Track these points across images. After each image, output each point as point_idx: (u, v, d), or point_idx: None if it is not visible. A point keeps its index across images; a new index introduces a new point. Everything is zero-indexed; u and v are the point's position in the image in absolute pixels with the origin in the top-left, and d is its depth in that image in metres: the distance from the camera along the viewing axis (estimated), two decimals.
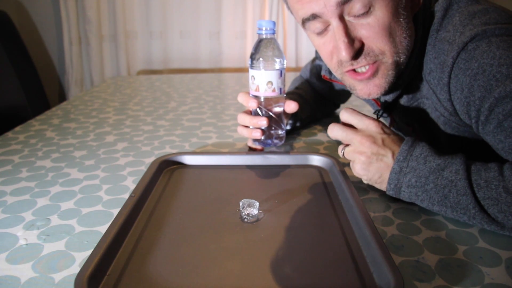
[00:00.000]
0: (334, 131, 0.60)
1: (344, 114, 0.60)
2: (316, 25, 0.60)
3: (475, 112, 0.55)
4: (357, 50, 0.59)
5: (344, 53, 0.58)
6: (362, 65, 0.60)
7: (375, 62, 0.60)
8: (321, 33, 0.62)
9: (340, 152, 0.61)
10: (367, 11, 0.57)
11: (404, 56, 0.61)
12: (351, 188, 0.59)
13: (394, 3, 0.57)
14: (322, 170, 0.71)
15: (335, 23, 0.58)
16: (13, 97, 1.88)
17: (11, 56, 1.86)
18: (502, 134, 0.52)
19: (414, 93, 0.67)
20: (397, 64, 0.61)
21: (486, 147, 0.58)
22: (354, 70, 0.62)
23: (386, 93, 0.66)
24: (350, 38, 0.58)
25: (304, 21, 0.61)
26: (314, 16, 0.59)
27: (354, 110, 0.60)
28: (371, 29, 0.58)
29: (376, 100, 0.75)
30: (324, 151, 0.83)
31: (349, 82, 0.65)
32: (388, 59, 0.60)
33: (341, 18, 0.58)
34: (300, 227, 0.53)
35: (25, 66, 2.04)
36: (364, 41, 0.59)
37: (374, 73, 0.61)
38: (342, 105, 1.11)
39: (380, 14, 0.57)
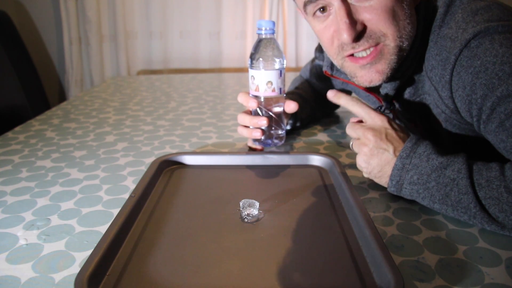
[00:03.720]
0: (347, 130, 0.61)
1: (354, 107, 0.60)
2: (317, 8, 0.61)
3: (477, 110, 0.55)
4: (359, 32, 0.59)
5: (345, 34, 0.58)
6: (364, 48, 0.60)
7: (377, 44, 0.60)
8: (322, 17, 0.62)
9: (350, 145, 0.62)
10: None
11: (407, 42, 0.61)
12: (351, 188, 0.59)
13: None
14: (322, 170, 0.71)
15: (337, 4, 0.58)
16: (13, 97, 1.88)
17: (11, 56, 1.86)
18: (504, 134, 0.52)
19: (416, 89, 0.67)
20: (399, 49, 0.60)
21: (488, 145, 0.58)
22: (353, 56, 0.62)
23: (386, 83, 0.66)
24: (352, 19, 0.58)
25: (306, 4, 0.61)
26: None
27: (362, 103, 0.60)
28: (374, 11, 0.57)
29: (378, 96, 0.75)
30: (324, 151, 0.83)
31: (350, 68, 0.64)
32: (390, 42, 0.60)
33: (344, 0, 0.58)
34: (300, 227, 0.53)
35: (25, 66, 2.03)
36: (367, 23, 0.59)
37: (377, 57, 0.61)
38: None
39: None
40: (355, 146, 0.60)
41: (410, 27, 0.60)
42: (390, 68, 0.62)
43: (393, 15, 0.58)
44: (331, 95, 0.63)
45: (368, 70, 0.62)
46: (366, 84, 0.64)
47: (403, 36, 0.60)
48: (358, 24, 0.58)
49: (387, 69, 0.62)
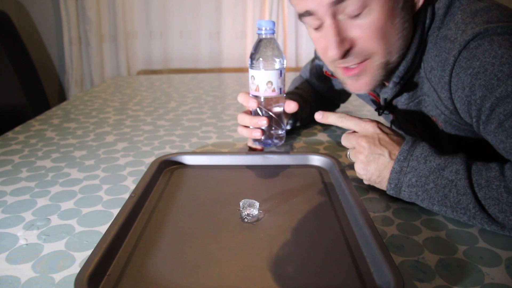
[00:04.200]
0: (342, 141, 0.62)
1: (344, 122, 0.61)
2: (311, 21, 0.61)
3: (476, 111, 0.55)
4: (347, 50, 0.60)
5: (332, 52, 0.59)
6: (351, 63, 0.62)
7: (364, 61, 0.61)
8: (316, 28, 0.62)
9: (347, 155, 0.63)
10: (362, 12, 0.57)
11: (396, 56, 0.62)
12: (351, 188, 0.59)
13: (391, 4, 0.57)
14: (322, 170, 0.71)
15: (327, 22, 0.59)
16: (13, 97, 1.88)
17: (11, 56, 1.86)
18: (503, 134, 0.52)
19: (415, 91, 0.67)
20: (386, 64, 0.62)
21: (487, 146, 0.58)
22: (345, 66, 0.63)
23: (381, 88, 0.68)
24: (341, 37, 0.59)
25: (300, 16, 0.62)
26: (308, 13, 0.60)
27: (350, 116, 0.61)
28: (365, 30, 0.58)
29: (377, 97, 0.75)
30: (324, 151, 0.83)
31: (340, 76, 0.67)
32: (378, 59, 0.61)
33: (334, 17, 0.58)
34: (300, 227, 0.53)
35: (25, 66, 2.03)
36: (357, 41, 0.59)
37: (362, 72, 0.63)
38: (342, 105, 1.11)
39: (375, 16, 0.57)
40: (351, 155, 0.60)
41: (401, 41, 0.61)
42: (376, 81, 0.64)
43: (383, 33, 0.59)
44: (319, 117, 0.63)
45: (355, 81, 0.65)
46: (355, 92, 0.67)
47: (392, 52, 0.61)
48: (347, 42, 0.59)
49: (372, 82, 0.64)
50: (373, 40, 0.59)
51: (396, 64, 0.64)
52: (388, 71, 0.63)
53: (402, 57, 0.63)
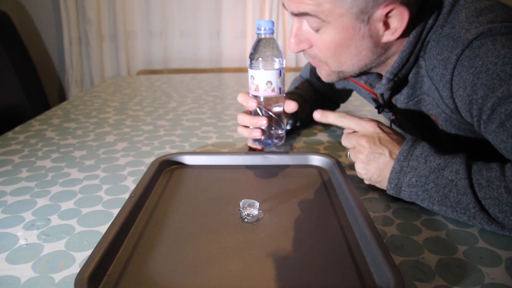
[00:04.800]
0: (342, 141, 0.63)
1: (344, 121, 0.62)
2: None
3: (477, 110, 0.55)
4: (304, 49, 0.66)
5: (290, 47, 0.66)
6: (309, 60, 0.69)
7: (319, 63, 0.68)
8: None
9: (347, 155, 0.64)
10: (319, 29, 0.62)
11: (351, 70, 0.67)
12: (351, 188, 0.59)
13: (347, 34, 0.60)
14: (322, 170, 0.71)
15: (294, 23, 0.65)
16: (13, 97, 1.88)
17: (11, 56, 1.86)
18: (504, 134, 0.52)
19: (414, 89, 0.67)
20: (339, 72, 0.68)
21: (488, 145, 0.58)
22: None
23: (379, 86, 0.70)
24: (300, 38, 0.65)
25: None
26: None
27: (350, 115, 0.62)
28: (320, 42, 0.63)
29: (378, 95, 0.75)
30: (324, 151, 0.83)
31: None
32: (331, 67, 0.67)
33: (300, 21, 0.64)
34: (300, 227, 0.53)
35: (25, 66, 2.04)
36: (313, 46, 0.65)
37: (319, 68, 0.70)
38: (342, 105, 1.11)
39: (329, 37, 0.61)
40: (352, 155, 0.60)
41: (356, 61, 0.65)
42: (332, 80, 0.71)
43: (335, 52, 0.63)
44: (318, 115, 0.65)
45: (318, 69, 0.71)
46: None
47: (344, 67, 0.66)
48: (304, 43, 0.65)
49: (329, 79, 0.71)
50: (325, 54, 0.64)
51: (353, 73, 0.68)
52: (342, 76, 0.69)
53: (408, 56, 0.64)
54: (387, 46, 0.63)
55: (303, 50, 0.67)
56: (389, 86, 0.68)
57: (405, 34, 0.61)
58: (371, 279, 0.43)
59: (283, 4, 0.64)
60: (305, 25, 0.63)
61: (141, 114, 1.13)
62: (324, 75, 0.71)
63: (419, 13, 0.61)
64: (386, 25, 0.59)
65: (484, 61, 0.53)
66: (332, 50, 0.63)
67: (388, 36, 0.61)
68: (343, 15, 0.58)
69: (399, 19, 0.58)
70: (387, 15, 0.58)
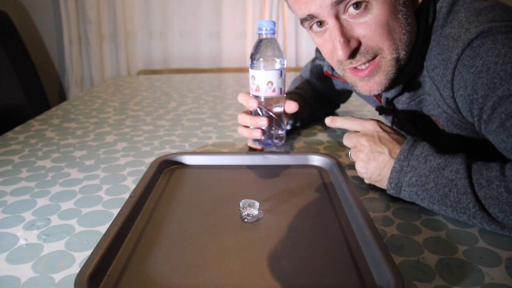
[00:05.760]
0: (343, 141, 0.62)
1: (347, 123, 0.62)
2: (313, 25, 0.61)
3: (478, 110, 0.55)
4: (354, 49, 0.59)
5: (340, 52, 0.58)
6: (362, 63, 0.61)
7: (374, 57, 0.61)
8: (319, 32, 0.62)
9: (348, 155, 0.64)
10: (364, 10, 0.57)
11: (404, 52, 0.61)
12: (351, 188, 0.59)
13: (392, 0, 0.57)
14: (322, 170, 0.71)
15: (331, 23, 0.58)
16: (13, 97, 1.88)
17: (11, 56, 1.86)
18: (505, 134, 0.52)
19: (416, 90, 0.67)
20: (397, 60, 0.61)
21: (489, 145, 0.58)
22: (355, 67, 0.62)
23: (387, 89, 0.67)
24: (346, 37, 0.58)
25: (302, 21, 0.62)
26: (311, 16, 0.60)
27: (353, 117, 0.62)
28: (368, 27, 0.58)
29: (378, 96, 0.75)
30: (324, 151, 0.83)
31: (350, 79, 0.66)
32: (387, 55, 0.60)
33: (337, 17, 0.58)
34: (300, 227, 0.53)
35: (25, 66, 2.03)
36: (362, 39, 0.59)
37: (374, 70, 0.62)
38: (342, 105, 1.11)
39: (377, 12, 0.57)
40: (352, 154, 0.61)
41: (406, 37, 0.60)
42: (388, 79, 0.63)
43: (388, 29, 0.58)
44: (328, 121, 0.65)
45: (367, 82, 0.63)
46: (367, 93, 0.65)
47: (400, 47, 0.60)
48: (353, 40, 0.59)
49: (385, 80, 0.63)
50: (378, 37, 0.58)
51: (405, 60, 0.63)
52: (399, 69, 0.62)
53: (410, 53, 0.62)
54: (415, 26, 0.62)
55: (353, 52, 0.59)
56: (398, 89, 0.68)
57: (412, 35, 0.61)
58: (371, 279, 0.43)
59: (304, 7, 0.59)
60: (344, 20, 0.58)
61: (141, 114, 1.13)
62: (380, 79, 0.62)
63: (419, 13, 0.62)
64: None
65: (484, 61, 0.53)
66: (385, 26, 0.57)
67: None
68: None
69: None
70: None
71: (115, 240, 0.48)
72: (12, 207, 0.61)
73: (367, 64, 0.61)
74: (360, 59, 0.60)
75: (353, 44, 0.59)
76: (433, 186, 0.52)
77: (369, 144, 0.57)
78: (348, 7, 0.57)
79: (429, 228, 0.54)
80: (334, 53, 0.61)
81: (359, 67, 0.62)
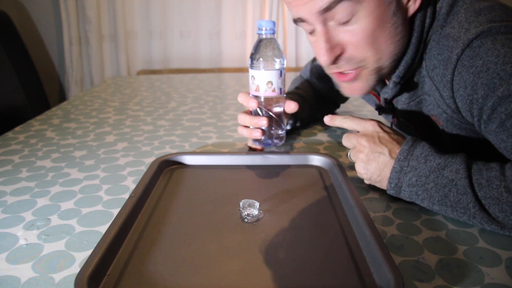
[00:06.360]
0: (343, 141, 0.63)
1: (347, 123, 0.62)
2: (304, 26, 0.63)
3: (478, 110, 0.55)
4: (338, 55, 0.61)
5: (322, 58, 0.61)
6: (344, 69, 0.63)
7: (357, 68, 0.63)
8: (310, 32, 0.64)
9: (347, 155, 0.64)
10: (350, 19, 0.58)
11: (388, 62, 0.63)
12: (351, 188, 0.59)
13: (381, 11, 0.58)
14: (322, 170, 0.71)
15: (318, 29, 0.60)
16: (13, 97, 1.88)
17: (11, 56, 1.86)
18: (504, 134, 0.52)
19: (415, 90, 0.68)
20: (379, 69, 0.63)
21: (489, 145, 0.58)
22: (339, 72, 0.65)
23: (386, 90, 0.68)
24: (331, 44, 0.60)
25: (295, 21, 0.64)
26: (301, 20, 0.61)
27: (353, 116, 0.62)
28: (354, 36, 0.59)
29: (378, 96, 0.75)
30: (324, 151, 0.83)
31: (335, 80, 0.69)
32: (370, 65, 0.62)
33: (325, 23, 0.59)
34: (300, 227, 0.53)
35: (25, 66, 2.04)
36: (347, 47, 0.61)
37: (355, 78, 0.64)
38: (342, 105, 1.11)
39: (364, 23, 0.58)
40: (352, 155, 0.61)
41: (393, 47, 0.62)
42: (370, 86, 0.66)
43: (373, 40, 0.59)
44: (327, 119, 0.65)
45: (349, 86, 0.67)
46: (349, 95, 0.69)
47: (384, 58, 0.62)
48: (338, 48, 0.60)
49: (366, 87, 0.66)
50: (362, 46, 0.60)
51: (390, 69, 0.64)
52: (381, 77, 0.65)
53: (397, 61, 0.64)
54: (406, 34, 0.62)
55: (336, 58, 0.61)
56: (396, 90, 0.68)
57: (407, 37, 0.61)
58: (371, 279, 0.43)
59: (294, 10, 0.60)
60: (331, 27, 0.59)
61: (141, 114, 1.13)
62: (361, 85, 0.65)
63: (417, 13, 0.62)
64: None
65: (484, 61, 0.53)
66: (370, 37, 0.59)
67: (411, 5, 0.60)
68: None
69: None
70: None
71: (115, 240, 0.48)
72: (12, 207, 0.61)
73: (348, 71, 0.63)
74: (343, 65, 0.62)
75: (337, 51, 0.61)
76: (433, 186, 0.52)
77: (369, 145, 0.57)
78: (335, 15, 0.58)
79: (429, 228, 0.54)
80: (318, 58, 0.63)
81: (344, 72, 0.64)
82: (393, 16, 0.59)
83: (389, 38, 0.60)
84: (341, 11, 0.57)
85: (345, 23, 0.58)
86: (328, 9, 0.57)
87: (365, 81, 0.65)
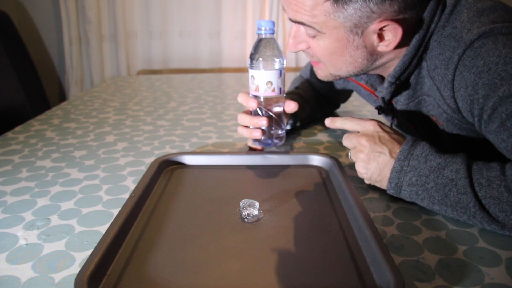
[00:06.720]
0: (343, 141, 0.63)
1: (347, 124, 0.63)
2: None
3: (478, 110, 0.55)
4: (302, 50, 0.68)
5: (288, 48, 0.68)
6: (309, 57, 0.71)
7: (318, 61, 0.69)
8: None
9: (347, 155, 0.65)
10: (316, 36, 0.63)
11: (347, 73, 0.68)
12: (351, 188, 0.59)
13: (342, 44, 0.62)
14: (322, 170, 0.71)
15: (293, 26, 0.66)
16: (13, 97, 1.88)
17: (11, 56, 1.86)
18: (505, 134, 0.52)
19: (415, 90, 0.68)
20: (335, 73, 0.69)
21: (489, 145, 0.58)
22: None
23: (381, 90, 0.70)
24: (298, 40, 0.67)
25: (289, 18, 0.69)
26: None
27: (353, 117, 0.63)
28: (316, 47, 0.65)
29: (378, 96, 0.75)
30: (324, 151, 0.83)
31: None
32: (326, 68, 0.68)
33: (298, 26, 0.65)
34: (300, 227, 0.53)
35: (25, 66, 2.03)
36: (310, 48, 0.67)
37: (317, 66, 0.70)
38: (342, 105, 1.10)
39: (325, 43, 0.63)
40: (352, 155, 0.61)
41: (352, 67, 0.66)
42: (327, 79, 0.72)
43: (329, 56, 0.65)
44: (328, 122, 0.66)
45: (315, 68, 0.73)
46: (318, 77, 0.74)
47: (339, 69, 0.67)
48: (302, 45, 0.67)
49: (329, 77, 0.71)
50: (320, 56, 0.66)
51: (348, 75, 0.69)
52: (340, 77, 0.70)
53: (410, 59, 0.64)
54: (384, 53, 0.64)
55: (298, 51, 0.69)
56: (391, 90, 0.68)
57: (404, 42, 0.61)
58: (371, 279, 0.43)
59: (283, 7, 0.65)
60: (303, 28, 0.64)
61: (141, 114, 1.13)
62: (320, 74, 0.72)
63: (419, 20, 0.61)
64: (381, 37, 0.61)
65: (485, 61, 0.53)
66: (327, 57, 0.65)
67: (382, 47, 0.62)
68: (337, 28, 0.60)
69: (393, 34, 0.60)
70: (381, 29, 0.60)
71: (115, 240, 0.48)
72: (12, 207, 0.61)
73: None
74: (306, 55, 0.70)
75: (301, 46, 0.67)
76: (433, 186, 0.52)
77: (369, 144, 0.57)
78: (305, 28, 0.63)
79: (429, 228, 0.54)
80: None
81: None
82: (355, 50, 0.63)
83: (347, 64, 0.65)
84: (305, 29, 0.63)
85: (312, 36, 0.64)
86: (295, 22, 0.63)
87: (324, 75, 0.71)
